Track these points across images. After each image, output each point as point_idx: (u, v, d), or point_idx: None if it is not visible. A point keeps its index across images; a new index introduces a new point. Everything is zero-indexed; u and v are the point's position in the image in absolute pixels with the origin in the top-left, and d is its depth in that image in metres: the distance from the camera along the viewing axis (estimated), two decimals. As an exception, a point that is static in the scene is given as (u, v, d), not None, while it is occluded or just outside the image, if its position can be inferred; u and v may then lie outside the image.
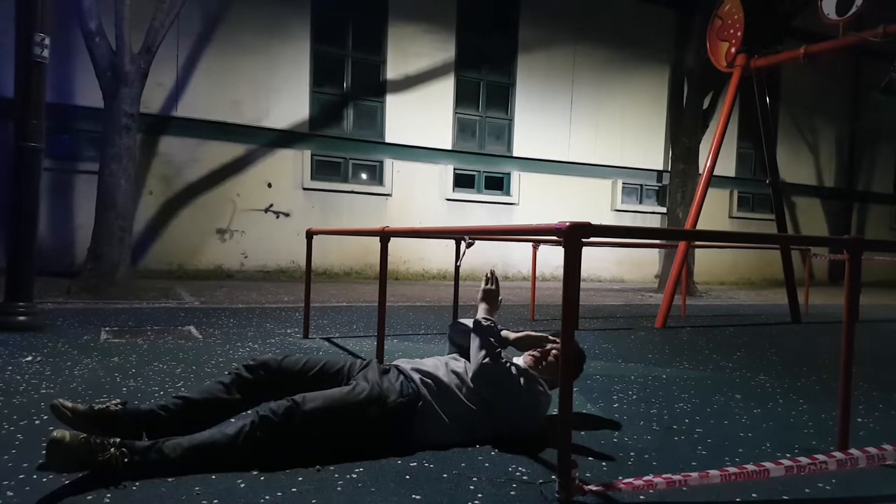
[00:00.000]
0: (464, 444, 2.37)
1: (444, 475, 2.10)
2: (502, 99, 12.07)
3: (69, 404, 2.14)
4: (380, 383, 2.31)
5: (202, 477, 1.97)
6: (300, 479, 2.02)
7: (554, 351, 2.70)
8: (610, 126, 12.84)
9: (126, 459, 1.91)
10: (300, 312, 5.26)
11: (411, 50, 11.13)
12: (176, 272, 9.47)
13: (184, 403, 2.25)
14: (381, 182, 11.02)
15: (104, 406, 2.18)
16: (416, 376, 2.39)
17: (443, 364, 2.50)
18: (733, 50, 6.84)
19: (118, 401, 2.25)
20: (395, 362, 2.53)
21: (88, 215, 7.34)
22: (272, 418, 2.06)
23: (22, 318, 4.53)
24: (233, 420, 2.16)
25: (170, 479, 1.94)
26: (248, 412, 2.18)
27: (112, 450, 1.90)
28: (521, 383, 2.46)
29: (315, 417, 2.12)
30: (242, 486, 1.94)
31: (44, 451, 1.87)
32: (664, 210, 12.86)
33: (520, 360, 2.67)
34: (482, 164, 11.85)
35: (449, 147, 11.55)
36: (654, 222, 13.18)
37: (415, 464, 2.19)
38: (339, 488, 1.96)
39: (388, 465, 2.17)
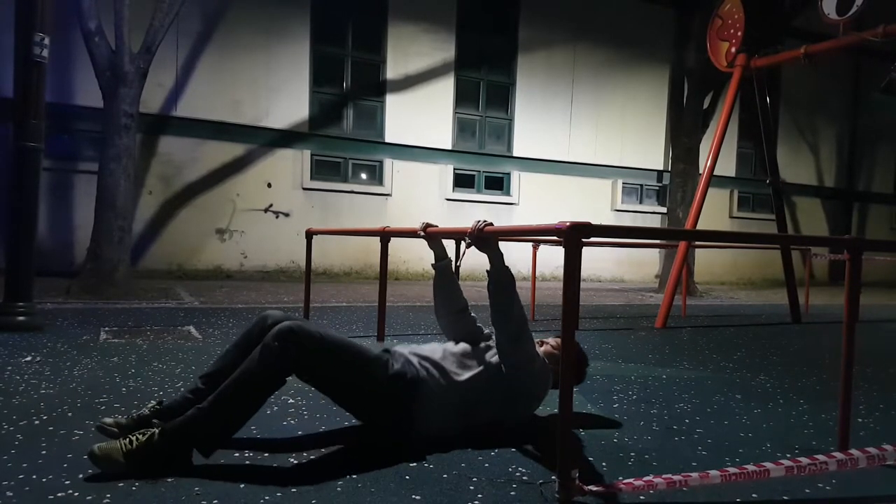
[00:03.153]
0: (465, 432, 2.37)
1: (444, 475, 2.09)
2: (502, 99, 12.06)
3: (110, 420, 2.26)
4: (387, 353, 2.39)
5: (201, 478, 1.97)
6: (300, 479, 2.02)
7: (552, 343, 2.71)
8: (610, 126, 12.84)
9: (161, 429, 2.00)
10: (300, 313, 5.26)
11: (411, 50, 11.13)
12: (175, 272, 9.47)
13: (208, 379, 2.30)
14: (380, 182, 11.02)
15: (142, 413, 2.28)
16: (415, 359, 2.40)
17: (440, 349, 2.51)
18: (733, 50, 6.84)
19: (154, 403, 2.33)
20: (393, 348, 2.53)
21: (88, 215, 7.33)
22: (293, 327, 2.13)
23: (21, 318, 4.53)
24: None
25: (169, 480, 1.94)
26: None
27: (148, 430, 2.01)
28: (543, 365, 2.50)
29: (330, 345, 2.19)
30: (242, 486, 1.93)
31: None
32: (664, 210, 12.86)
33: None
34: (482, 164, 11.85)
35: (449, 147, 11.55)
36: (654, 222, 13.17)
37: (415, 464, 2.19)
38: (338, 488, 1.96)
39: (388, 465, 2.16)
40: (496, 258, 2.41)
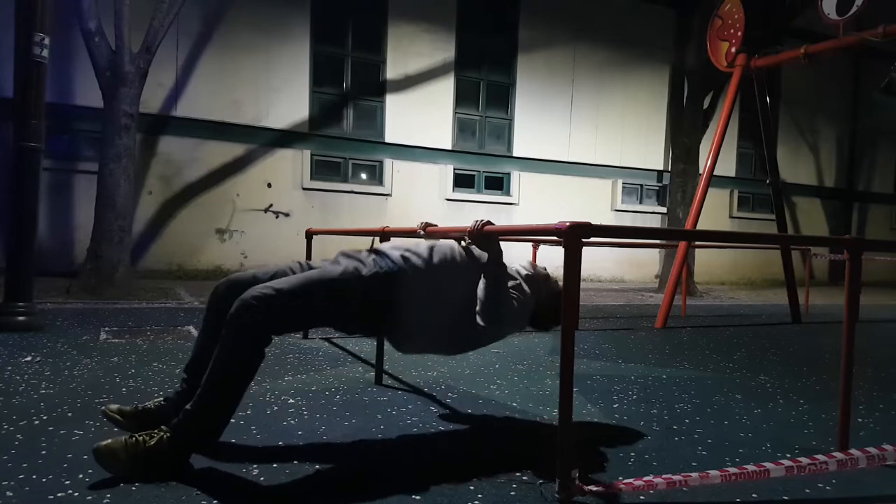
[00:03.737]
0: (450, 342, 2.37)
1: (444, 475, 2.09)
2: (502, 99, 12.06)
3: (115, 407, 2.30)
4: (353, 260, 2.32)
5: (201, 479, 1.97)
6: (300, 479, 2.02)
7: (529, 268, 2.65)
8: (610, 126, 12.83)
9: (168, 435, 1.97)
10: (300, 312, 5.25)
11: (411, 50, 11.13)
12: (175, 272, 9.47)
13: (189, 370, 2.30)
14: (380, 182, 11.02)
15: (146, 406, 2.31)
16: (397, 253, 2.33)
17: (427, 245, 2.43)
18: (733, 50, 6.84)
19: (160, 399, 2.35)
20: (379, 246, 2.47)
21: (88, 215, 7.33)
22: (246, 302, 2.02)
23: (21, 318, 4.53)
24: None
25: (169, 480, 1.94)
26: None
27: (157, 433, 1.98)
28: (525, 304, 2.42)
29: (291, 295, 2.09)
30: (242, 486, 1.93)
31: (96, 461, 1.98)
32: (664, 210, 12.86)
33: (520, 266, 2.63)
34: (482, 164, 11.85)
35: (449, 147, 11.54)
36: (654, 222, 13.17)
37: (415, 464, 2.19)
38: (338, 488, 1.96)
39: (388, 464, 2.17)
40: (496, 254, 2.40)
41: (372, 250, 2.39)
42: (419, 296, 2.27)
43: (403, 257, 2.32)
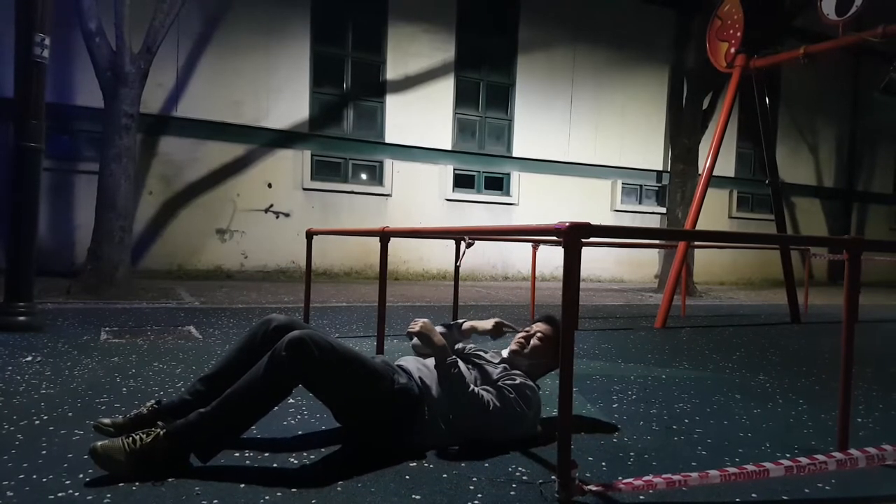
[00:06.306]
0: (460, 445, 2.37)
1: (444, 475, 2.10)
2: (502, 99, 12.06)
3: (108, 420, 2.28)
4: (392, 367, 2.37)
5: (201, 478, 1.98)
6: (300, 479, 2.02)
7: (538, 333, 2.63)
8: (610, 126, 12.84)
9: (166, 431, 1.98)
10: (300, 313, 5.26)
11: (411, 50, 11.13)
12: (176, 272, 9.47)
13: (208, 381, 2.32)
14: (380, 182, 11.02)
15: (140, 412, 2.28)
16: (417, 375, 2.39)
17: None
18: (733, 50, 6.84)
19: (152, 402, 2.33)
20: (399, 361, 2.52)
21: (88, 215, 7.33)
22: (303, 338, 2.08)
23: (22, 318, 4.53)
24: None
25: (170, 480, 1.94)
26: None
27: (153, 430, 1.99)
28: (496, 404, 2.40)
29: (339, 357, 2.15)
30: (242, 486, 1.94)
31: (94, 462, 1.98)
32: (664, 210, 12.86)
33: (505, 353, 2.66)
34: (482, 164, 11.85)
35: (449, 147, 11.55)
36: (653, 222, 13.18)
37: (415, 464, 2.19)
38: (339, 488, 1.96)
39: (388, 464, 2.17)
40: (440, 354, 2.40)
41: (406, 369, 2.42)
42: (437, 425, 2.34)
43: (427, 385, 2.36)
